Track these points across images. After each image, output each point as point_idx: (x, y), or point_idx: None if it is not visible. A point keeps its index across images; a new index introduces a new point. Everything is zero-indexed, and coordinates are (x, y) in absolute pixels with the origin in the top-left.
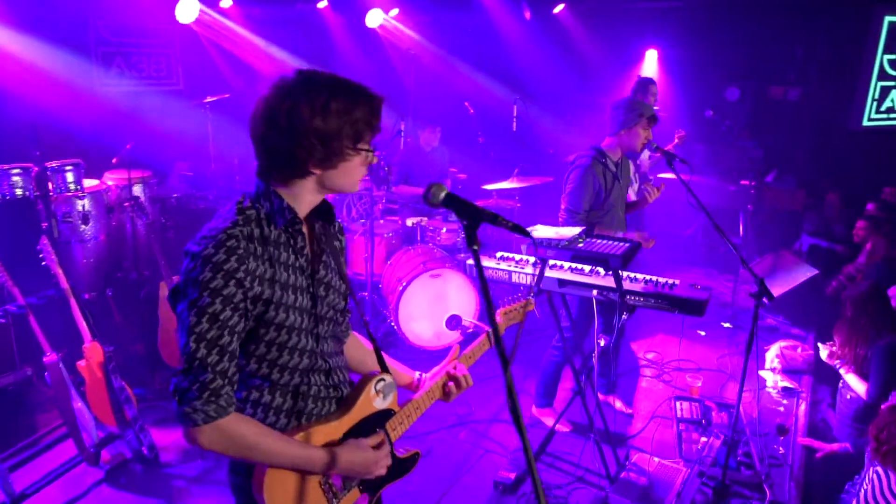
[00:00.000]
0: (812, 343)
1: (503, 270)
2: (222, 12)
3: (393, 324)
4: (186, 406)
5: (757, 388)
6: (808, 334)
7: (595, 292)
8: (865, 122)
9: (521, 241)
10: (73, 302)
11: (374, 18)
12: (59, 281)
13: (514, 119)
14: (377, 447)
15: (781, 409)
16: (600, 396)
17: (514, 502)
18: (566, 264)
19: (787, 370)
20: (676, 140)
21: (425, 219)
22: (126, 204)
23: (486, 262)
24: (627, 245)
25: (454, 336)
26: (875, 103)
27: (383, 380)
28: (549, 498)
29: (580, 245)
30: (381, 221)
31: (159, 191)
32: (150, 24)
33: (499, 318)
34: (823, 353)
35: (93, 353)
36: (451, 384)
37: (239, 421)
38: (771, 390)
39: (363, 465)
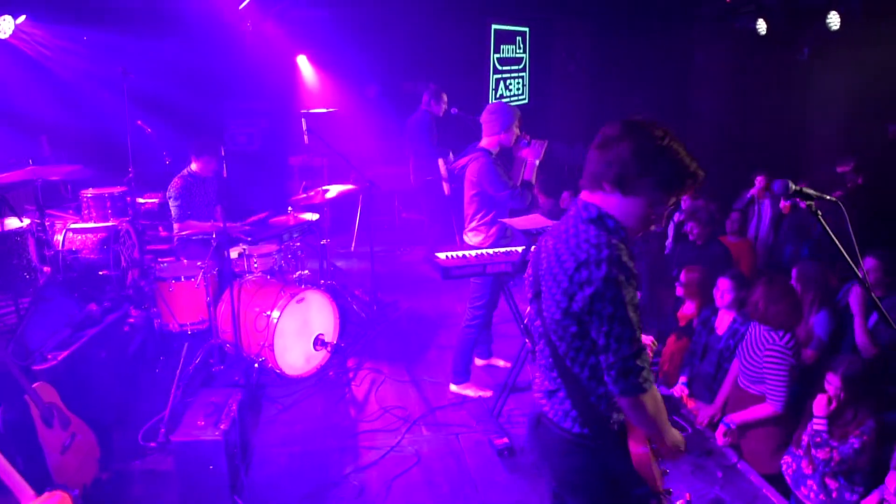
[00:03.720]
0: None
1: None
2: None
3: (267, 361)
4: (639, 378)
5: None
6: None
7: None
8: None
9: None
10: None
11: (5, 27)
12: None
13: (305, 133)
14: None
15: None
16: (483, 361)
17: (524, 458)
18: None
19: None
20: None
21: (246, 247)
22: None
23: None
24: None
25: (322, 356)
26: (493, 92)
27: None
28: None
29: None
30: (165, 264)
31: None
32: None
33: None
34: None
35: None
36: None
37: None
38: None
39: (680, 442)
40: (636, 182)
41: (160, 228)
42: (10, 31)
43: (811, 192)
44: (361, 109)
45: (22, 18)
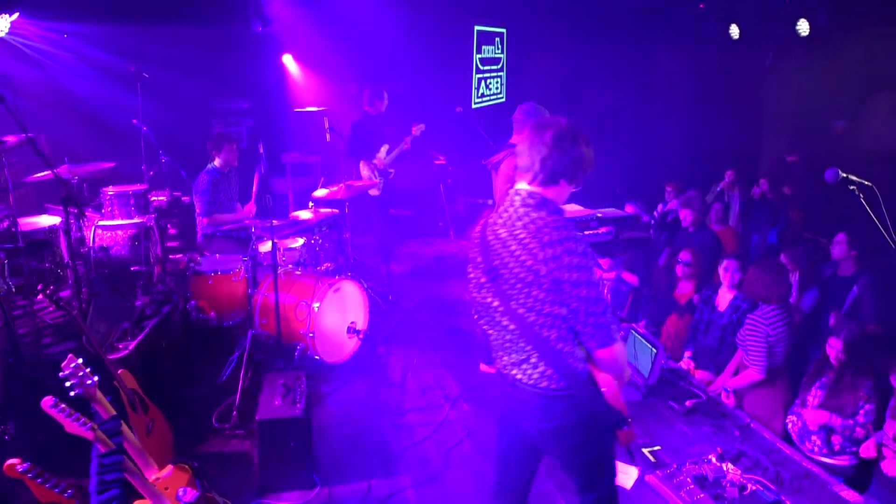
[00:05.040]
0: None
1: None
2: None
3: (307, 349)
4: (609, 331)
5: None
6: None
7: None
8: (473, 105)
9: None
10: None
11: (1, 25)
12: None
13: (328, 131)
14: None
15: None
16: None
17: None
18: None
19: None
20: (415, 132)
21: (276, 240)
22: None
23: None
24: None
25: (354, 342)
26: (476, 91)
27: None
28: None
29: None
30: (200, 258)
31: None
32: None
33: None
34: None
35: (174, 482)
36: None
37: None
38: None
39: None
40: (567, 174)
41: (168, 226)
42: (6, 30)
43: (854, 178)
44: (347, 108)
45: (16, 16)
